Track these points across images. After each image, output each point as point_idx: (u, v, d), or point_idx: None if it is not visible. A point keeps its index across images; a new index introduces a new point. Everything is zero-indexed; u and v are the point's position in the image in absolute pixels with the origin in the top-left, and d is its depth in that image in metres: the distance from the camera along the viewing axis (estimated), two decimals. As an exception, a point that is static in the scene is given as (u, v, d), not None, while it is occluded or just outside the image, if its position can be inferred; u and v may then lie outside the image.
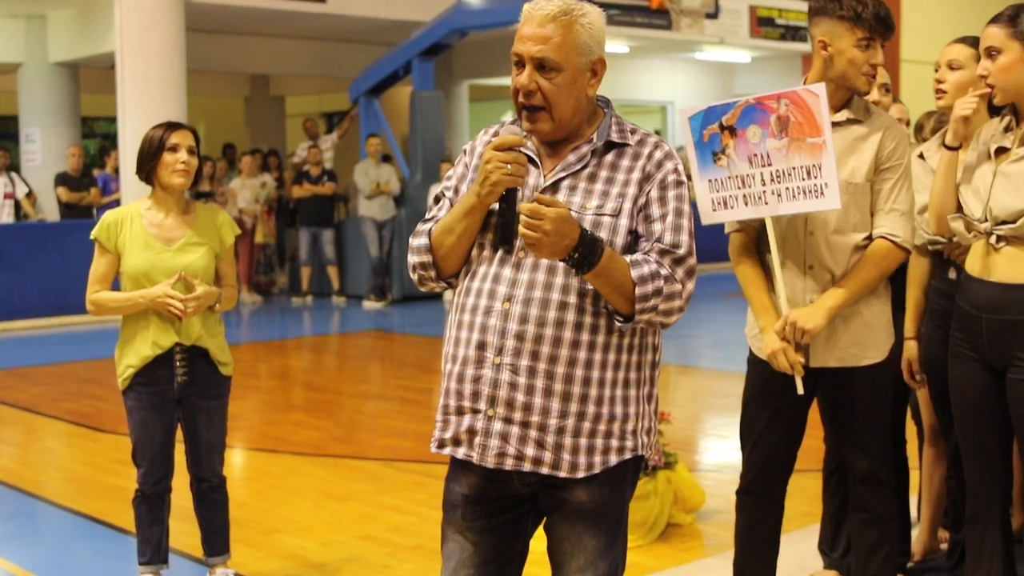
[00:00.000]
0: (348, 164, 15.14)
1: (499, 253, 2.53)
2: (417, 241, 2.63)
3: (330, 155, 15.13)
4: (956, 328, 3.51)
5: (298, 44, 16.80)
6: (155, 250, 4.05)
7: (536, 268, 2.48)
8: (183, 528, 4.68)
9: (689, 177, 2.88)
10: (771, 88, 3.57)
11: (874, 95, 4.02)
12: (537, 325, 2.47)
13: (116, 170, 13.51)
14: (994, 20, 3.34)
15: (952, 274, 3.84)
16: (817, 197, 3.32)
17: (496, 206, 2.52)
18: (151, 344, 4.04)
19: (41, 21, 14.87)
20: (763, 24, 17.64)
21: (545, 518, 2.64)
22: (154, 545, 4.22)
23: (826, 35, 3.40)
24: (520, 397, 2.47)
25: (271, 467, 6.45)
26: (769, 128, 3.37)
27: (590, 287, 2.47)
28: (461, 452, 2.55)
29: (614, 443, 2.53)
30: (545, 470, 2.50)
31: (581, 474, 2.50)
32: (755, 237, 3.57)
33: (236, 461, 6.58)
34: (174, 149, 4.03)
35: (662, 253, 2.49)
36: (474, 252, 2.58)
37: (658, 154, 2.56)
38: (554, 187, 2.53)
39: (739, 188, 3.43)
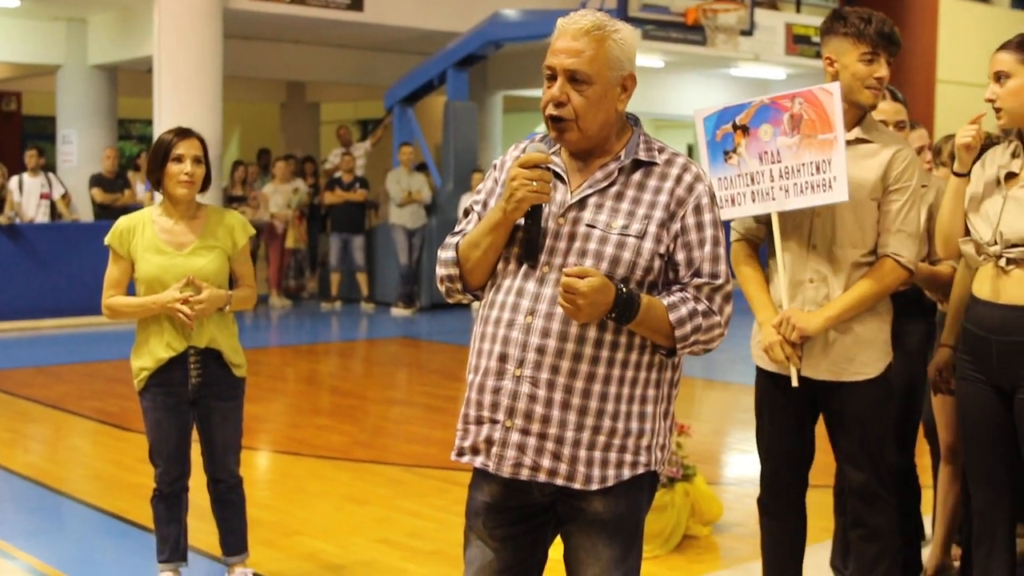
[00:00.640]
0: (380, 172, 15.20)
1: (524, 267, 2.57)
2: (445, 254, 2.67)
3: (362, 162, 15.20)
4: (964, 351, 3.56)
5: (334, 52, 16.88)
6: (167, 255, 4.08)
7: (560, 283, 2.50)
8: (202, 527, 4.72)
9: None
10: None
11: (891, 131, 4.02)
12: (558, 340, 2.50)
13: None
14: (1003, 47, 3.41)
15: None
16: (825, 190, 3.39)
17: (522, 221, 2.55)
18: (165, 347, 4.08)
19: (81, 24, 15.02)
20: (799, 42, 17.54)
21: (563, 526, 2.66)
22: (172, 543, 4.26)
23: (833, 52, 3.51)
24: (538, 409, 2.51)
25: (294, 469, 6.50)
26: (781, 126, 3.46)
27: None
28: (479, 461, 2.59)
29: (628, 457, 2.55)
30: (560, 481, 2.53)
31: (595, 486, 2.53)
32: (757, 247, 3.66)
33: (260, 463, 6.63)
34: (179, 159, 4.04)
35: (700, 287, 2.54)
36: (500, 265, 2.62)
37: (688, 177, 2.57)
38: (581, 204, 2.56)
39: (748, 185, 3.50)
